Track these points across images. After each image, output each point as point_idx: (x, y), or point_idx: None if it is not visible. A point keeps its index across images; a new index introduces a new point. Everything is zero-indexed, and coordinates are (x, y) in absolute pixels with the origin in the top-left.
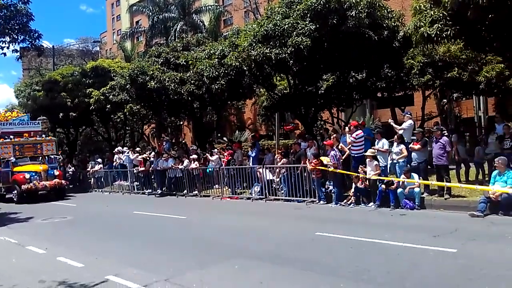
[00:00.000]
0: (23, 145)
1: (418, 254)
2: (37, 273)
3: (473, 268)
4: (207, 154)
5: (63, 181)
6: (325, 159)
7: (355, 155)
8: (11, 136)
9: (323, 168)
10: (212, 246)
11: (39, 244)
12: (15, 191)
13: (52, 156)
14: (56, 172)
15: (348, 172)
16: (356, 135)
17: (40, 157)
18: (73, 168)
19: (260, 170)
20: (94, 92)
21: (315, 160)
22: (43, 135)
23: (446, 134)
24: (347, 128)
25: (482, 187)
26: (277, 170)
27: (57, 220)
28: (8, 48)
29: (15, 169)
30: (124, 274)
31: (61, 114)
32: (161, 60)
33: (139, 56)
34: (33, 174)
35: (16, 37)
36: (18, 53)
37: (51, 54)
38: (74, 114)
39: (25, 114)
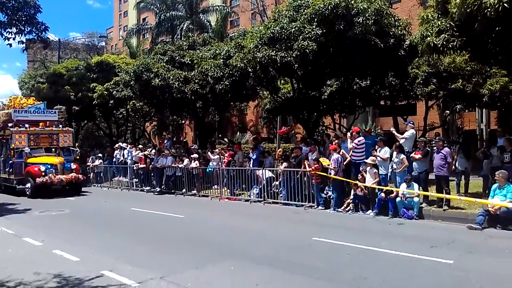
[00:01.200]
0: (39, 135)
1: (415, 263)
2: (33, 265)
3: (469, 280)
4: (208, 153)
5: (80, 176)
6: (324, 161)
7: (356, 161)
8: (26, 125)
9: (323, 174)
10: (209, 246)
11: (35, 236)
12: (29, 184)
13: (70, 148)
14: (73, 166)
15: (348, 180)
16: (358, 141)
17: (56, 149)
18: None
19: (260, 172)
20: (97, 87)
21: (316, 165)
22: (60, 125)
23: (446, 145)
24: (348, 134)
25: (481, 200)
26: (279, 172)
27: (54, 213)
28: (14, 39)
29: (29, 160)
30: (120, 270)
31: (64, 107)
32: (166, 58)
33: (144, 53)
34: (49, 166)
35: (23, 28)
36: (24, 45)
37: (56, 47)
38: (76, 108)
39: (41, 102)
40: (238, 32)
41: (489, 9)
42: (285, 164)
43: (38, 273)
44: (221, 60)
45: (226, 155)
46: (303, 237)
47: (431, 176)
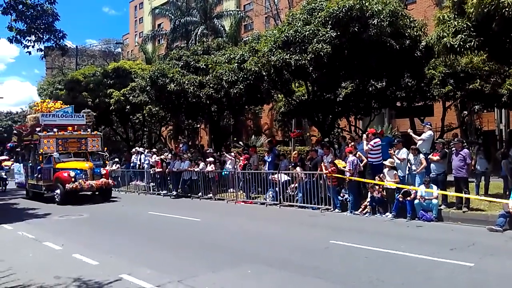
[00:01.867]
0: (67, 140)
1: (434, 266)
2: (53, 269)
3: (489, 283)
4: (225, 154)
5: (110, 181)
6: (340, 163)
7: (373, 163)
8: (55, 129)
9: (339, 176)
10: (225, 249)
11: (55, 240)
12: (58, 191)
13: (98, 153)
14: (103, 171)
15: (365, 180)
16: (374, 143)
17: (84, 154)
18: None
19: (275, 176)
20: (114, 93)
21: (332, 167)
22: (88, 129)
23: (466, 146)
24: (364, 136)
25: (502, 200)
26: (294, 175)
27: (73, 217)
28: (33, 47)
29: (58, 165)
30: (138, 274)
31: (91, 111)
32: (181, 63)
33: (159, 59)
34: (79, 172)
35: (41, 36)
36: (43, 52)
37: (74, 54)
38: (94, 114)
39: (68, 106)
40: (252, 36)
41: (506, 9)
42: (298, 169)
43: (58, 277)
44: (236, 64)
45: (241, 158)
46: (320, 240)
47: (450, 178)
